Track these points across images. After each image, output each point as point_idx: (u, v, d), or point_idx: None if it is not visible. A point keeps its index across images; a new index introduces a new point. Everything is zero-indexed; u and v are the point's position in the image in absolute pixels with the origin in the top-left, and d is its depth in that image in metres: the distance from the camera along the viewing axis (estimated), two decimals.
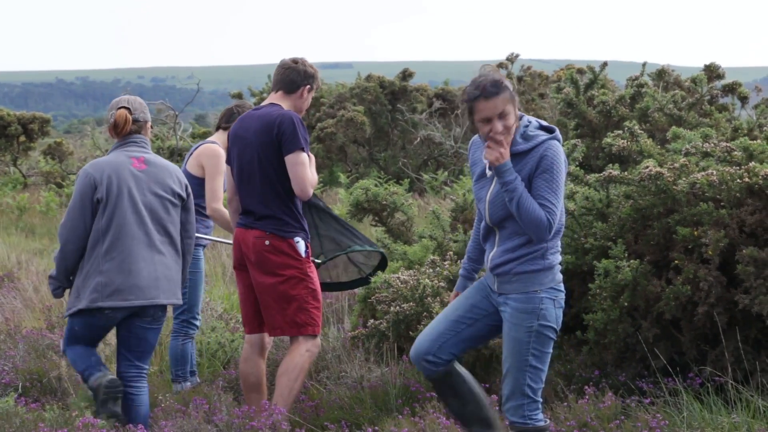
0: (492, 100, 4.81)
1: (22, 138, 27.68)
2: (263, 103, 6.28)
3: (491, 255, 4.99)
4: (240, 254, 6.18)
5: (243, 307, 6.29)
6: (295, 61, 6.25)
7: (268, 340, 6.35)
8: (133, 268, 5.84)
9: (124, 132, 6.02)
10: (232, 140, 6.23)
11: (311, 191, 6.06)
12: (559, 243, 4.96)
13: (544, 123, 4.97)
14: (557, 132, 4.94)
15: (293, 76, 6.20)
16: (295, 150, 5.99)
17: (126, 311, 5.88)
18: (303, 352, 6.10)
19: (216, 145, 7.17)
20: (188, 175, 7.17)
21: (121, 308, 5.85)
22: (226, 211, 6.88)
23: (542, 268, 4.89)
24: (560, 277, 4.97)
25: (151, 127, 6.25)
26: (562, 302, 4.97)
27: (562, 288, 4.98)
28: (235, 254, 6.24)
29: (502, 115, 4.82)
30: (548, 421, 5.06)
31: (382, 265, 7.00)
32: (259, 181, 6.07)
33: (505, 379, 4.97)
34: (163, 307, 6.00)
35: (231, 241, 6.63)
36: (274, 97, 6.22)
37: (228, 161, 6.28)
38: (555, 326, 4.94)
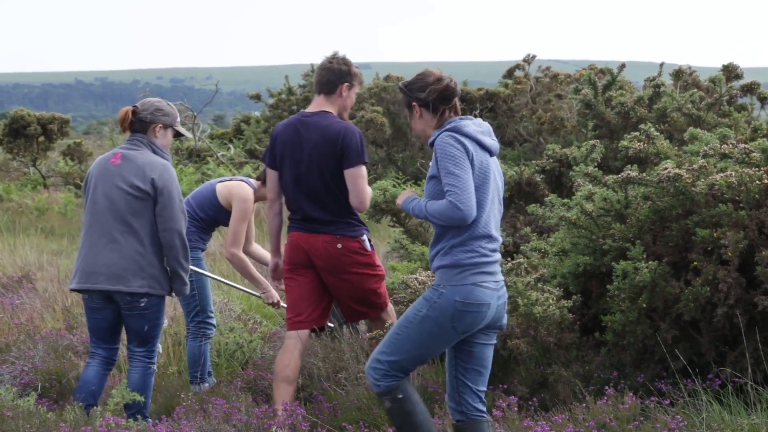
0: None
1: (42, 138, 27.80)
2: (311, 109, 6.36)
3: None
4: (300, 256, 6.28)
5: (300, 303, 6.35)
6: (330, 60, 6.33)
7: (309, 341, 6.50)
8: (87, 254, 6.28)
9: (123, 127, 6.40)
10: (282, 143, 6.29)
11: (368, 204, 6.26)
12: (476, 245, 4.95)
13: (467, 120, 5.10)
14: (453, 125, 5.03)
15: (329, 77, 6.30)
16: (359, 164, 6.17)
17: (98, 295, 6.26)
18: (389, 314, 6.55)
19: (251, 189, 7.25)
20: (213, 197, 7.28)
21: (83, 291, 6.29)
22: (245, 258, 7.20)
23: (448, 265, 4.94)
24: (477, 279, 4.92)
25: (180, 136, 6.53)
26: (473, 307, 4.92)
27: (479, 293, 4.92)
28: (294, 255, 6.32)
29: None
30: (395, 383, 5.09)
31: None
32: (322, 191, 6.21)
33: None
34: (135, 294, 6.20)
35: (255, 292, 6.92)
36: (319, 102, 6.34)
37: (272, 166, 6.34)
38: (445, 324, 4.94)
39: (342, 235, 6.21)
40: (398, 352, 5.07)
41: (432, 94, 5.09)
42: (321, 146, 6.16)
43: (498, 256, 5.05)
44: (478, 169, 4.94)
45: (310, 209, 6.21)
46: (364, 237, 6.32)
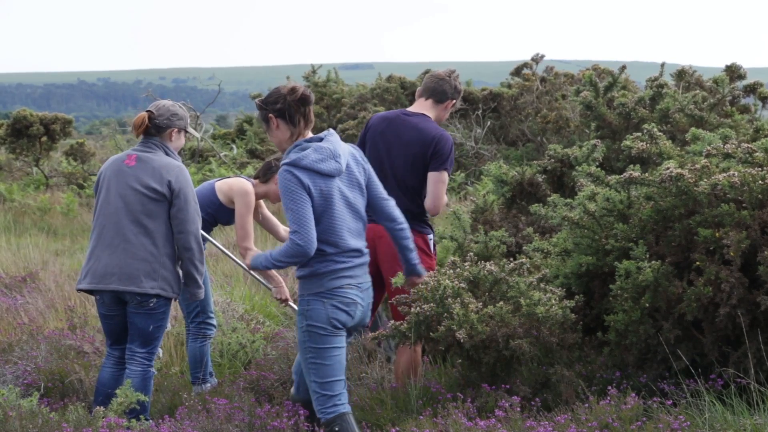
0: None
1: (44, 139, 27.81)
2: (413, 109, 6.68)
3: None
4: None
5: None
6: (448, 74, 6.66)
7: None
8: (100, 255, 6.24)
9: (138, 132, 6.35)
10: (373, 136, 6.59)
11: (441, 209, 6.55)
12: (328, 257, 5.29)
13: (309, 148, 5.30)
14: (293, 158, 5.25)
15: (446, 88, 6.66)
16: (444, 170, 6.49)
17: (109, 295, 6.23)
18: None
19: (249, 183, 7.28)
20: (212, 195, 7.29)
21: (96, 291, 6.25)
22: (258, 251, 7.14)
23: (307, 275, 5.30)
24: (337, 283, 5.30)
25: (187, 134, 6.51)
26: (342, 304, 5.32)
27: (343, 293, 5.31)
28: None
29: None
30: (344, 409, 5.39)
31: None
32: (408, 184, 6.52)
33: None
34: (146, 295, 6.19)
35: (267, 284, 7.34)
36: (424, 105, 6.67)
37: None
38: (325, 325, 5.29)
39: (410, 227, 6.29)
40: (314, 372, 5.36)
41: (287, 104, 5.32)
42: (412, 145, 6.48)
43: (356, 260, 5.40)
44: (318, 198, 5.24)
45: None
46: (431, 237, 6.60)
